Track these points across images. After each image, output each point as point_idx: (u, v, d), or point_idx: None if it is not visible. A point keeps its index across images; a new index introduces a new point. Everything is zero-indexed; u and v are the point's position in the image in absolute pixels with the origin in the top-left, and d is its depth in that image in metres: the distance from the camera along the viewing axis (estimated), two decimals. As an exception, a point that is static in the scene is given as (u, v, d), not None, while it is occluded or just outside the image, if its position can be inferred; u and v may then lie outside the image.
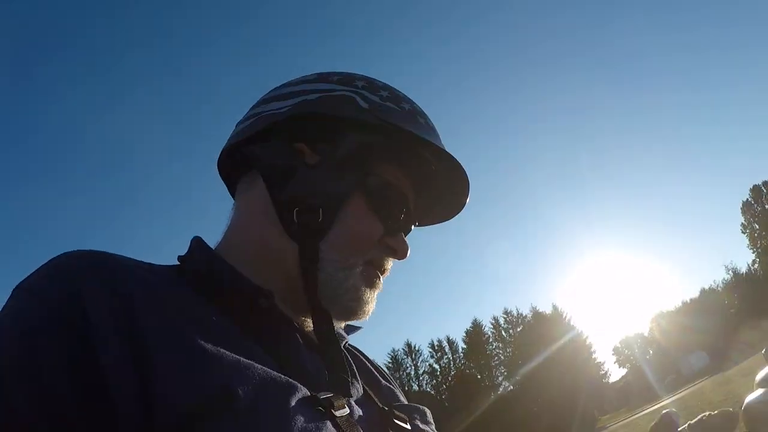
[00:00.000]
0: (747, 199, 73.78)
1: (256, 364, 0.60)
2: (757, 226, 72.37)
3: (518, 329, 66.21)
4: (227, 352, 0.59)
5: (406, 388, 66.46)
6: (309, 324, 0.80)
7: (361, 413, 0.73)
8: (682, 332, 69.67)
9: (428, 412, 0.90)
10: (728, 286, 75.38)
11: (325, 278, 0.76)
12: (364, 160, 0.78)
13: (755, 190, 73.07)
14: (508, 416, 50.99)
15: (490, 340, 68.59)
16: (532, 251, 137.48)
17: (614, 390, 75.91)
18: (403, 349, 70.32)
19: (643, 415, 32.40)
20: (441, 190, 0.87)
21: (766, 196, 72.11)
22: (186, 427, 0.53)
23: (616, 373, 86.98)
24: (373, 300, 0.81)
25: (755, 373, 6.29)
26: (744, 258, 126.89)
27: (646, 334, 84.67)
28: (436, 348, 69.29)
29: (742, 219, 74.37)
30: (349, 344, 0.90)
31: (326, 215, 0.75)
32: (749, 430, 6.56)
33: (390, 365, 68.78)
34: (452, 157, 0.79)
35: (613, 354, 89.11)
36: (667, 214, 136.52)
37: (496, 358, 67.72)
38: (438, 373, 68.70)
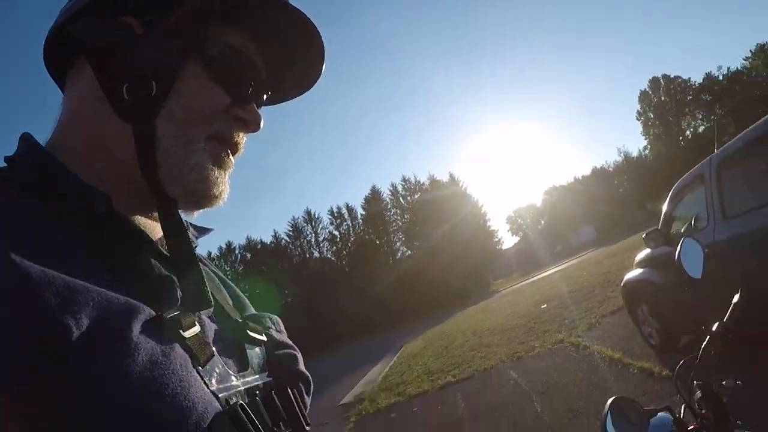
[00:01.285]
0: (645, 89, 77.30)
1: (91, 287, 0.53)
2: (652, 116, 76.66)
3: (416, 196, 68.27)
4: (56, 276, 0.51)
5: (307, 255, 68.19)
6: (158, 229, 0.74)
7: (216, 328, 0.71)
8: (573, 206, 74.08)
9: (279, 320, 0.88)
10: (619, 167, 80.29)
11: (162, 157, 0.67)
12: (200, 24, 0.71)
13: (654, 81, 76.75)
14: (413, 283, 53.15)
15: (389, 206, 70.74)
16: (431, 120, 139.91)
17: (507, 257, 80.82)
18: (303, 217, 72.77)
19: (533, 281, 34.58)
20: (295, 55, 0.81)
21: (664, 89, 75.65)
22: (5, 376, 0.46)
23: (509, 241, 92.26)
24: (223, 181, 0.73)
25: (639, 249, 6.53)
26: (636, 143, 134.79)
27: (538, 206, 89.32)
28: (335, 215, 71.51)
29: (638, 107, 78.29)
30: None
31: (160, 87, 0.68)
32: (625, 303, 6.91)
33: (290, 233, 69.97)
34: (305, 17, 0.75)
35: (506, 223, 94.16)
36: (570, 93, 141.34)
37: (394, 224, 70.22)
38: (338, 239, 71.20)
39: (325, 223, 71.43)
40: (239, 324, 0.76)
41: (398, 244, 70.09)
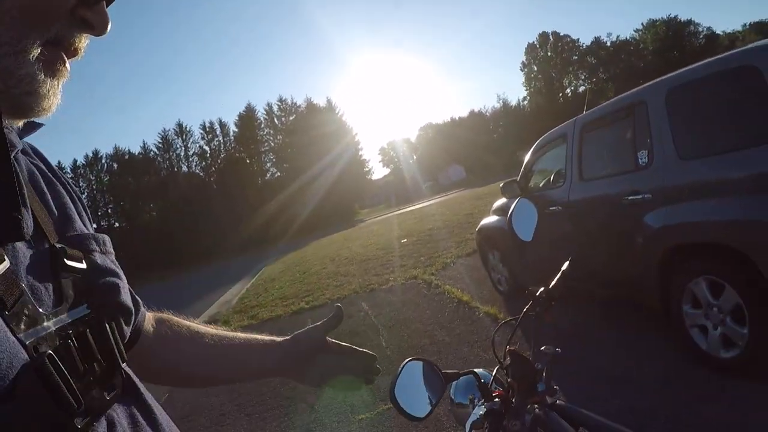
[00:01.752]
0: (533, 42, 79.50)
1: None
2: (536, 69, 79.23)
3: (291, 118, 66.99)
4: None
5: (176, 169, 65.72)
6: None
7: (28, 260, 0.62)
8: (446, 145, 75.74)
9: (108, 239, 0.78)
10: (496, 114, 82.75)
11: None
12: None
13: (543, 36, 79.35)
14: (280, 205, 52.55)
15: (263, 125, 69.02)
16: (312, 42, 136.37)
17: (376, 187, 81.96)
18: (174, 129, 69.59)
19: (398, 214, 35.25)
20: None
21: (552, 45, 78.18)
22: None
23: (379, 172, 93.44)
24: (55, 93, 0.64)
25: (501, 196, 6.66)
26: (516, 93, 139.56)
27: (413, 141, 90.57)
28: (207, 130, 68.99)
29: (524, 58, 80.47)
30: (27, 147, 0.77)
31: None
32: (479, 248, 7.10)
33: (160, 145, 67.05)
34: None
35: (379, 153, 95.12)
36: (457, 31, 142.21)
37: (266, 144, 68.75)
38: (208, 155, 68.89)
39: (197, 137, 68.83)
40: (55, 250, 0.66)
41: (268, 164, 68.91)
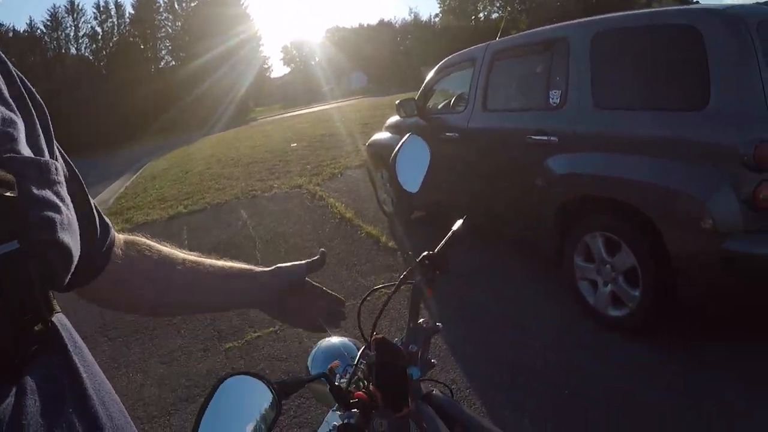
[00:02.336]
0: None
1: None
2: (453, -15, 76.83)
3: (192, 4, 62.57)
4: None
5: (64, 51, 60.64)
6: None
7: None
8: (352, 51, 74.16)
9: (58, 167, 0.64)
10: (405, 26, 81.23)
11: None
12: None
13: None
14: (173, 97, 49.90)
15: (161, 9, 64.06)
16: None
17: (274, 86, 79.58)
18: (66, 6, 62.69)
19: (293, 116, 34.40)
20: None
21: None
22: None
23: (279, 71, 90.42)
24: None
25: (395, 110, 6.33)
26: (429, 9, 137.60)
27: (318, 42, 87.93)
28: (101, 9, 62.83)
29: (442, -27, 78.08)
30: None
31: None
32: (367, 165, 6.80)
33: (48, 23, 61.17)
34: None
35: (281, 51, 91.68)
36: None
37: (163, 30, 64.02)
38: (100, 37, 63.04)
39: (89, 16, 63.05)
40: None
41: (164, 52, 64.37)
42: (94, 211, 0.80)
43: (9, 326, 0.52)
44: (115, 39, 63.47)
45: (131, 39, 62.82)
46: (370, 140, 6.56)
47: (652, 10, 3.20)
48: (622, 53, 3.22)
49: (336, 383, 1.08)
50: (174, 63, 62.37)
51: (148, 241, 0.99)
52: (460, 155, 4.51)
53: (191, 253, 1.07)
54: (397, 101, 5.65)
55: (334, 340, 1.34)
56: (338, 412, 1.11)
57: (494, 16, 73.57)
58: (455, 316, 3.78)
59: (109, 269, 0.85)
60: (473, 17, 76.35)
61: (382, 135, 6.19)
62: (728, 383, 2.68)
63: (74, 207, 0.65)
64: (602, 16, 3.49)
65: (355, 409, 1.08)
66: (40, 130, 0.68)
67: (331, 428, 1.15)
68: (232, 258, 1.10)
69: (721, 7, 2.83)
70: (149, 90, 51.56)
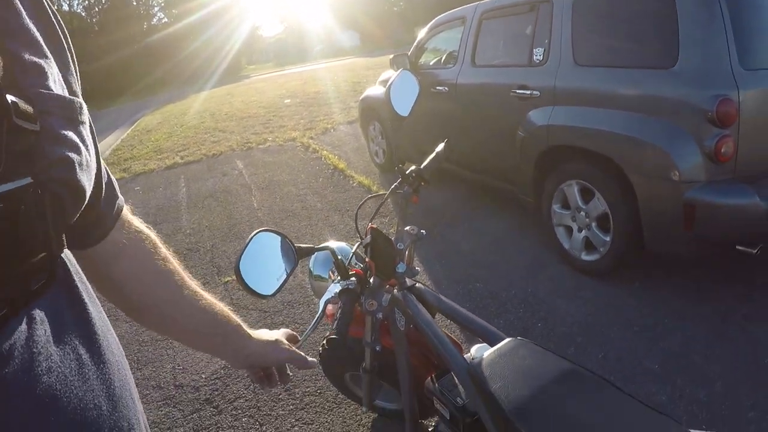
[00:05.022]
0: None
1: None
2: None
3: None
4: None
5: (56, 7, 58.97)
6: None
7: None
8: (344, 9, 72.91)
9: (84, 107, 0.63)
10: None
11: None
12: None
13: None
14: (166, 54, 49.09)
15: (155, -38, 62.54)
16: None
17: (266, 44, 78.45)
18: None
19: (286, 74, 34.12)
20: None
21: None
22: None
23: (271, 29, 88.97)
24: None
25: (387, 68, 6.50)
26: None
27: (310, 1, 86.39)
28: (94, -36, 61.05)
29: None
30: None
31: None
32: (360, 117, 6.97)
33: None
34: None
35: (273, 10, 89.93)
36: None
37: (155, -15, 62.64)
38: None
39: (82, -28, 61.00)
40: (6, 106, 0.50)
41: (156, 9, 63.11)
42: (104, 171, 0.76)
43: (20, 259, 0.53)
44: (109, -8, 62.08)
45: (125, -8, 61.46)
46: (363, 94, 6.74)
47: None
48: (601, 14, 3.41)
49: (339, 257, 1.36)
50: (166, 20, 61.22)
51: (165, 251, 0.97)
52: (449, 108, 4.75)
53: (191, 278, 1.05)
54: (391, 56, 5.87)
55: (333, 244, 1.51)
56: (340, 283, 1.38)
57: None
58: (436, 253, 4.06)
59: (115, 238, 0.83)
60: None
61: (376, 89, 6.40)
62: (684, 321, 2.98)
63: None
64: None
65: (353, 279, 1.36)
66: (74, 70, 0.68)
67: (333, 294, 1.44)
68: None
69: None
70: (141, 45, 50.73)
